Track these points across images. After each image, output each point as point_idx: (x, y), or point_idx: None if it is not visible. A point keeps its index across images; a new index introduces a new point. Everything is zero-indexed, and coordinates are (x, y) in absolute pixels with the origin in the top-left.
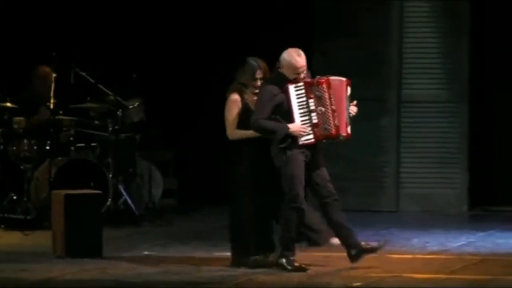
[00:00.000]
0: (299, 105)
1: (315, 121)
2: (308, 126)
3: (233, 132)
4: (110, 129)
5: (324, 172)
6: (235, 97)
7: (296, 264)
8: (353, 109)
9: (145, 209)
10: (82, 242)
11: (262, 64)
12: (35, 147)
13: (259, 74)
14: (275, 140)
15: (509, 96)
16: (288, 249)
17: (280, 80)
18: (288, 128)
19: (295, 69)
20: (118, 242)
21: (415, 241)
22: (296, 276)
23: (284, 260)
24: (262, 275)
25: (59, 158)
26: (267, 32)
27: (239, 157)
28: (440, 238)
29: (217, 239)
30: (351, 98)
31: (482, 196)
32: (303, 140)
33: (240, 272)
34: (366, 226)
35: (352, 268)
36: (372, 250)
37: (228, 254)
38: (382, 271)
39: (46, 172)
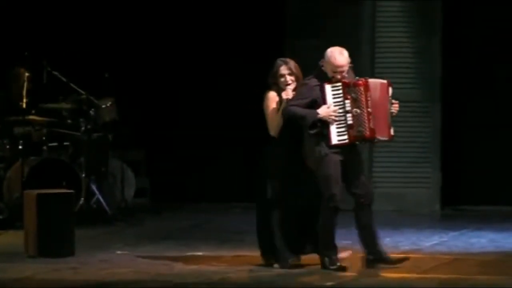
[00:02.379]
0: (335, 105)
1: (350, 122)
2: (343, 127)
3: (272, 129)
4: (83, 128)
5: (361, 175)
6: (270, 93)
7: (338, 263)
8: (394, 108)
9: (118, 209)
10: (54, 242)
11: (290, 61)
12: (7, 147)
13: (283, 70)
14: (305, 127)
15: (481, 96)
16: (328, 248)
17: (320, 76)
18: (317, 113)
19: (334, 67)
20: (91, 241)
21: (387, 240)
22: (268, 276)
23: (326, 259)
24: (235, 274)
25: (32, 158)
26: (239, 31)
27: (272, 155)
28: (413, 238)
29: (189, 238)
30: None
31: (454, 196)
32: (336, 140)
33: (213, 271)
34: (339, 225)
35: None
36: (387, 262)
37: (200, 253)
38: (355, 270)
39: (18, 171)
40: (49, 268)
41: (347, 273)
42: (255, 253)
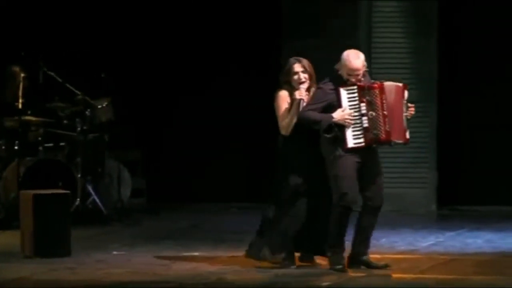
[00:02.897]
0: (350, 108)
1: (365, 125)
2: (359, 130)
3: (283, 127)
4: (79, 129)
5: (377, 177)
6: (281, 92)
7: (345, 263)
8: (410, 112)
9: (114, 209)
10: (50, 242)
11: (304, 60)
12: (3, 147)
13: (297, 68)
14: (321, 131)
15: (477, 96)
16: (337, 247)
17: (336, 81)
18: (332, 117)
19: (349, 70)
20: (87, 242)
21: (383, 240)
22: (265, 276)
23: (333, 258)
24: (232, 275)
25: (28, 158)
26: (237, 31)
27: (282, 154)
28: (409, 238)
29: (185, 239)
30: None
31: (451, 196)
32: (353, 143)
33: (210, 271)
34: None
35: (320, 267)
36: (371, 266)
37: (196, 254)
38: (351, 270)
39: (14, 171)
40: (45, 268)
41: (347, 273)
42: None
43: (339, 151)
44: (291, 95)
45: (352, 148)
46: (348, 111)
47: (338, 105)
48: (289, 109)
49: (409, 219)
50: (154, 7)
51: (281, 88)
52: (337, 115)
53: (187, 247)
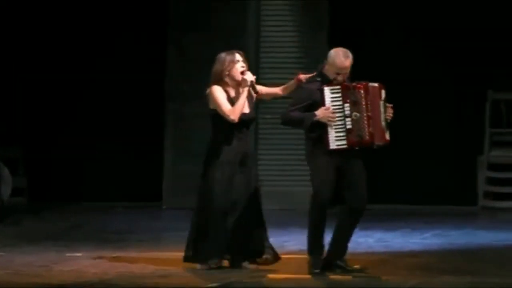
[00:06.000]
0: (334, 109)
1: (349, 126)
2: (341, 132)
3: (231, 111)
4: None
5: (358, 178)
6: (214, 86)
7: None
8: (390, 112)
9: None
10: None
11: (239, 52)
12: None
13: (238, 56)
14: (305, 130)
15: None
16: (314, 248)
17: (320, 79)
18: (315, 115)
19: (337, 68)
20: None
21: (273, 240)
22: (147, 277)
23: (311, 260)
24: (115, 275)
25: None
26: (122, 25)
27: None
28: (300, 237)
29: (68, 239)
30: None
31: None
32: (335, 145)
33: (93, 272)
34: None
35: (211, 269)
36: (347, 271)
37: (79, 254)
38: (242, 272)
39: None
40: None
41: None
42: (136, 254)
43: (319, 148)
44: (225, 89)
45: (334, 150)
46: (331, 110)
47: (322, 104)
48: (229, 98)
49: (299, 218)
50: (34, 2)
51: (211, 84)
52: (320, 113)
53: (70, 248)
